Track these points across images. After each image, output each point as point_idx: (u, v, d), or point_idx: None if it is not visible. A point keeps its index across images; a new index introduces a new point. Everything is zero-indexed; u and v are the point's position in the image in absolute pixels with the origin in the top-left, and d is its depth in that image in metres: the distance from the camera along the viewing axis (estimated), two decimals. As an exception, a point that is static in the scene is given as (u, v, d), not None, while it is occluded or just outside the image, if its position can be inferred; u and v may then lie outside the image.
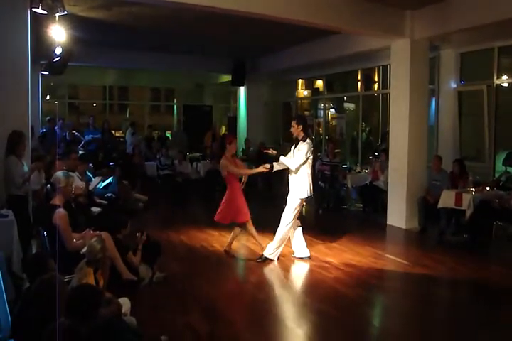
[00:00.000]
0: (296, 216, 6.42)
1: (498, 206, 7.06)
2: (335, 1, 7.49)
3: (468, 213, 7.18)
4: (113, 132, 14.32)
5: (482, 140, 9.06)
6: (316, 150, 12.56)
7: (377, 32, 8.36)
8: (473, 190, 7.52)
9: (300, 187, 6.25)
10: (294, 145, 6.39)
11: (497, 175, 8.69)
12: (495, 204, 7.10)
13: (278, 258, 6.40)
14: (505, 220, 6.99)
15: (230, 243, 6.73)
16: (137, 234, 5.38)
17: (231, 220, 6.51)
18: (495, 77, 8.85)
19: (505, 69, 8.99)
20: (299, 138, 6.30)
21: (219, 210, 6.51)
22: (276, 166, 6.36)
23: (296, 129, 6.33)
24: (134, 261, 5.23)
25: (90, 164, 8.63)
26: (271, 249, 6.37)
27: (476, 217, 7.11)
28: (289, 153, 6.41)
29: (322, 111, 14.58)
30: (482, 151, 9.13)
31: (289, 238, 6.55)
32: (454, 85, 9.58)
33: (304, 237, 6.56)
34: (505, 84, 9.05)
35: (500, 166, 8.79)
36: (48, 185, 6.47)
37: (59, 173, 5.50)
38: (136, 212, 8.61)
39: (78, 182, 6.72)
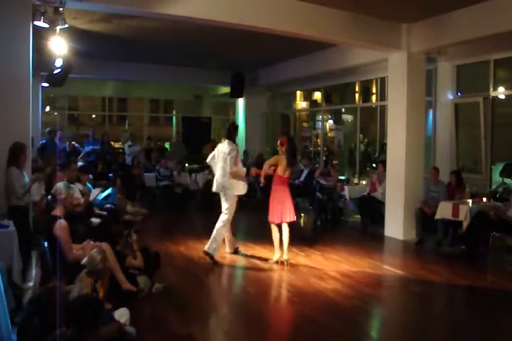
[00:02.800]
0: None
1: (494, 217, 7.10)
2: (332, 14, 7.60)
3: (465, 224, 7.23)
4: (112, 143, 14.40)
5: (479, 151, 9.13)
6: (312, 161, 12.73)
7: (375, 45, 8.48)
8: (470, 201, 7.57)
9: None
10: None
11: (494, 187, 8.74)
12: (492, 215, 7.13)
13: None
14: (502, 231, 7.02)
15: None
16: (129, 240, 5.42)
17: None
18: (491, 89, 8.93)
19: (501, 81, 9.08)
20: None
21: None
22: None
23: None
24: (135, 264, 5.27)
25: (90, 175, 8.67)
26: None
27: (473, 228, 7.14)
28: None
29: (320, 123, 14.67)
30: (479, 163, 9.19)
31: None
32: (450, 97, 9.67)
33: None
34: (502, 97, 9.13)
35: (497, 177, 8.83)
36: (49, 196, 6.51)
37: (60, 184, 5.55)
38: (134, 223, 8.62)
39: (77, 195, 6.75)
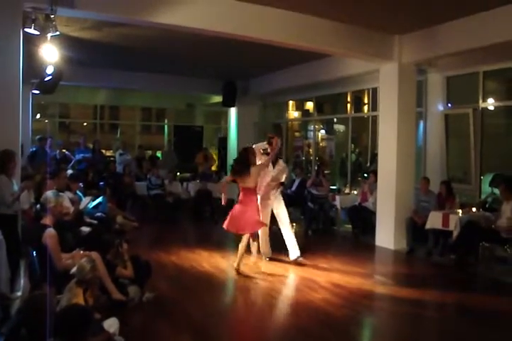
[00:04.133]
0: None
1: (484, 227, 7.12)
2: (325, 25, 7.66)
3: (455, 234, 7.25)
4: (103, 151, 14.34)
5: (468, 162, 9.18)
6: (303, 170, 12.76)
7: (366, 56, 8.56)
8: (460, 211, 7.62)
9: None
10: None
11: (483, 197, 8.79)
12: (481, 225, 7.16)
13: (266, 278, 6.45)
14: (492, 241, 7.04)
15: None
16: (119, 249, 5.38)
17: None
18: (480, 101, 9.01)
19: (490, 92, 9.16)
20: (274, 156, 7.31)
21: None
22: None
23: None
24: (125, 274, 5.23)
25: (80, 183, 8.61)
26: (297, 250, 7.29)
27: (463, 238, 7.16)
28: (271, 167, 7.26)
29: (312, 133, 14.70)
30: (468, 173, 9.24)
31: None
32: (441, 108, 9.73)
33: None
34: (491, 108, 9.22)
35: (486, 188, 8.89)
36: (38, 205, 6.45)
37: (49, 193, 5.51)
38: (125, 232, 8.56)
39: (67, 203, 6.69)
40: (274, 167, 7.38)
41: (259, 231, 7.12)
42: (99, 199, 8.34)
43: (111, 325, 3.83)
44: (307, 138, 15.20)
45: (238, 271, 6.68)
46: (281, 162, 7.62)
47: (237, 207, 6.74)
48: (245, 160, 6.74)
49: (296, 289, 6.16)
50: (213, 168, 14.78)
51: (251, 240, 7.00)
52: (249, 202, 6.69)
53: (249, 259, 7.19)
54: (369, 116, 11.97)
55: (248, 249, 7.03)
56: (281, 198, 7.59)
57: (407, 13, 7.34)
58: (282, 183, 7.62)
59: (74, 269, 4.27)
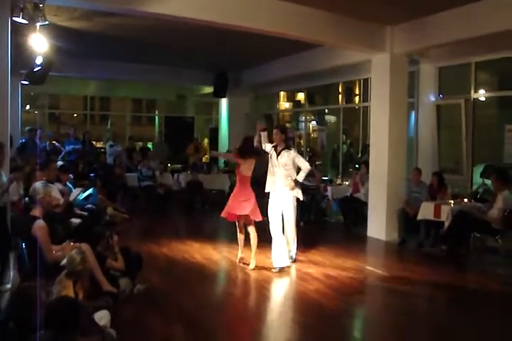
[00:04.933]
0: None
1: (475, 217, 7.14)
2: (317, 15, 7.60)
3: (447, 225, 7.27)
4: (94, 143, 14.24)
5: (460, 153, 9.20)
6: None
7: (358, 46, 8.51)
8: (452, 202, 7.64)
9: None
10: (275, 153, 6.64)
11: (475, 188, 8.82)
12: (472, 215, 7.18)
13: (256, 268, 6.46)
14: (483, 232, 7.07)
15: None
16: (109, 241, 5.33)
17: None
18: (472, 92, 9.01)
19: (482, 83, 9.17)
20: (282, 146, 6.63)
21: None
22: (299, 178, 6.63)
23: (280, 137, 6.64)
24: (116, 266, 5.19)
25: (70, 175, 8.55)
26: (286, 259, 6.54)
27: (454, 229, 7.18)
28: (275, 160, 6.62)
29: (303, 124, 14.69)
30: (460, 164, 9.26)
31: None
32: (432, 99, 9.73)
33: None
34: (482, 99, 9.22)
35: (477, 178, 8.92)
36: (26, 198, 6.38)
37: (38, 184, 5.45)
38: (116, 224, 8.52)
39: (56, 194, 6.63)
40: (277, 158, 6.62)
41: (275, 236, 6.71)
42: (90, 191, 8.28)
43: (102, 317, 3.81)
44: (298, 129, 15.17)
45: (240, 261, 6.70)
46: (285, 153, 6.59)
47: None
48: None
49: (289, 280, 6.15)
50: (204, 159, 14.73)
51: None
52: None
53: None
54: (360, 107, 11.95)
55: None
56: (290, 197, 6.63)
57: (399, 4, 7.28)
58: (296, 180, 6.57)
59: (64, 261, 4.24)
